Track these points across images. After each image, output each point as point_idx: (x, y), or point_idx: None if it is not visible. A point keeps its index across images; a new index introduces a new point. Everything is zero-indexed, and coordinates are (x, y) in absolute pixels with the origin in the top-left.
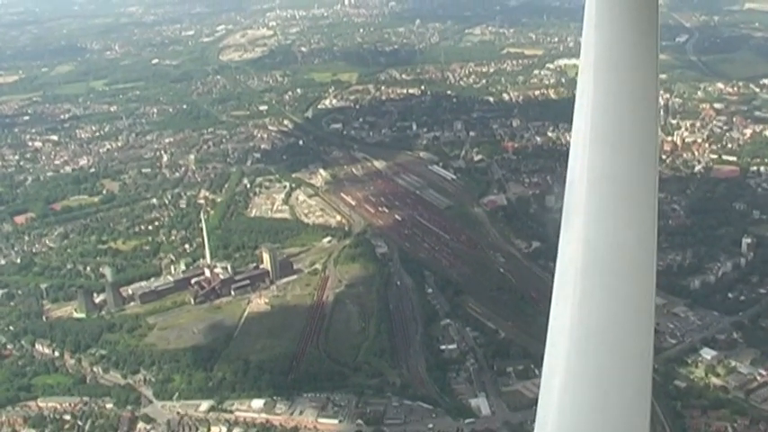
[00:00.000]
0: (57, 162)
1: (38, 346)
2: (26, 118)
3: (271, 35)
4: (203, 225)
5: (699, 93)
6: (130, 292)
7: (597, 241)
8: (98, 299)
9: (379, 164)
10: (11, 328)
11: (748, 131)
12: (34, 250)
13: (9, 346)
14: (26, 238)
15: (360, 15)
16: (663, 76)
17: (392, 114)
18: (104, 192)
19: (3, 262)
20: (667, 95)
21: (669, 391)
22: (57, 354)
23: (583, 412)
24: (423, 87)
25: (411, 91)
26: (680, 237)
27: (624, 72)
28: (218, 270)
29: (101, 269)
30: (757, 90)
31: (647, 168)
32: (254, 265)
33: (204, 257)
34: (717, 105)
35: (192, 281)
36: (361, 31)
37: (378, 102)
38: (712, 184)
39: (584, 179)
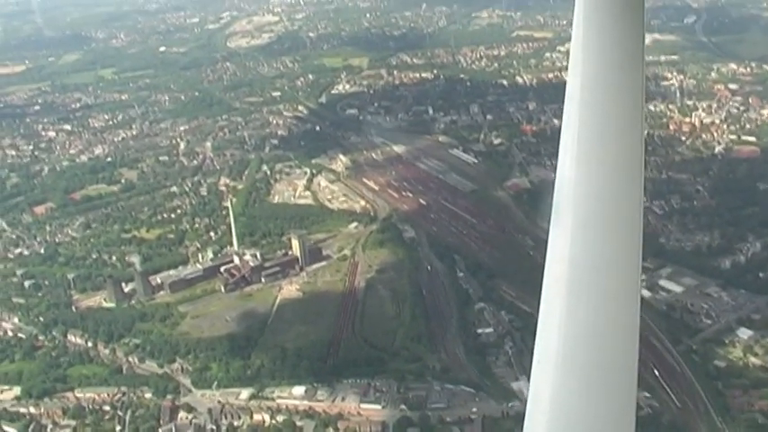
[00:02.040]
0: (72, 151)
1: (70, 337)
2: (36, 108)
3: (277, 21)
4: (230, 212)
5: (712, 74)
6: (159, 280)
7: (585, 241)
8: (127, 288)
9: (398, 148)
10: (41, 319)
11: (765, 112)
12: (57, 240)
13: (41, 338)
14: (47, 228)
15: (364, 0)
16: (674, 57)
17: (407, 99)
18: (123, 181)
19: (26, 253)
20: (681, 77)
21: (709, 371)
22: (90, 344)
23: (571, 408)
24: (435, 71)
25: (424, 75)
26: (706, 217)
27: (611, 76)
28: (247, 257)
29: (127, 258)
30: None
31: (633, 169)
32: (283, 251)
33: (231, 245)
34: (731, 86)
35: (222, 269)
36: (368, 15)
37: (391, 86)
38: (734, 165)
39: (573, 181)
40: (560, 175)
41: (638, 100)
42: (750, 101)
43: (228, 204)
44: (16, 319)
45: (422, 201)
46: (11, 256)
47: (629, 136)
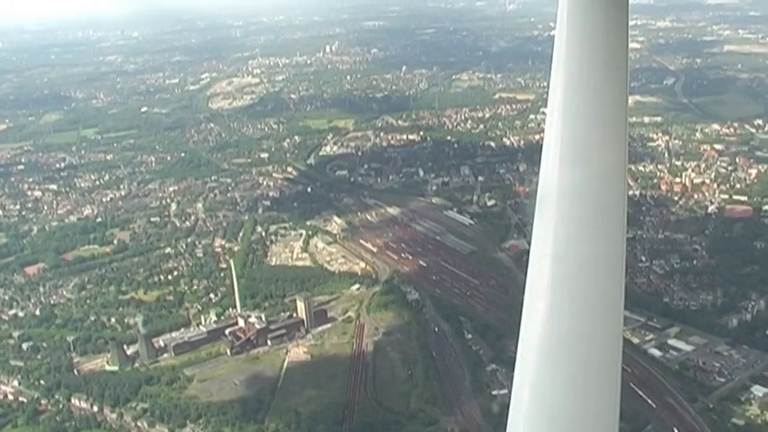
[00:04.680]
0: (60, 211)
1: (74, 401)
2: (20, 167)
3: (257, 83)
4: (233, 274)
5: (697, 134)
6: (162, 343)
7: (568, 239)
8: (129, 351)
9: (393, 210)
10: (42, 382)
11: (753, 171)
12: (52, 302)
13: (43, 401)
14: (41, 289)
15: (343, 62)
16: (658, 119)
17: (396, 161)
18: (115, 241)
19: (22, 314)
20: (666, 138)
21: (728, 429)
22: (96, 408)
23: (555, 407)
24: (422, 133)
25: (411, 137)
26: (707, 277)
27: (594, 73)
28: (252, 319)
29: (127, 320)
30: (753, 130)
31: (617, 168)
32: (288, 313)
33: (234, 307)
34: (717, 146)
35: (227, 331)
36: (349, 77)
37: (379, 148)
38: (729, 224)
39: (556, 179)
40: (544, 173)
41: (622, 97)
42: (737, 160)
43: (229, 266)
44: (16, 383)
45: (422, 262)
46: (5, 317)
47: (612, 134)
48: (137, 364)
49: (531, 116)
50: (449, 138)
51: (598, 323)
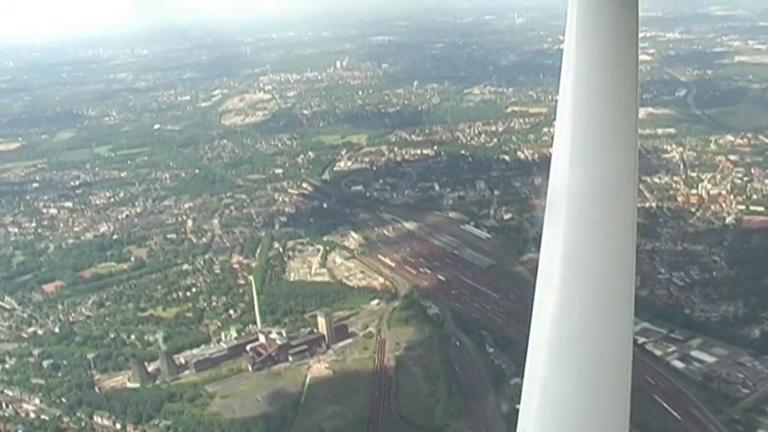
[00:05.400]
0: (76, 229)
1: (96, 418)
2: (35, 185)
3: (269, 99)
4: (253, 290)
5: (711, 145)
6: (183, 360)
7: (579, 238)
8: (150, 368)
9: (409, 225)
10: (63, 399)
11: None
12: (71, 319)
13: (65, 419)
14: (59, 306)
15: (354, 78)
16: (671, 130)
17: (411, 175)
18: (133, 258)
19: (41, 332)
20: (680, 149)
21: None
22: (118, 425)
23: (565, 406)
24: (436, 148)
25: (425, 151)
26: (728, 288)
27: (604, 81)
28: (273, 335)
29: (145, 337)
30: (767, 141)
31: (628, 167)
32: (308, 329)
33: (255, 323)
34: (732, 157)
35: (248, 347)
36: (360, 93)
37: (394, 163)
38: (747, 235)
39: (566, 178)
40: (554, 172)
41: (632, 97)
42: (753, 171)
43: (248, 282)
44: (37, 401)
45: (441, 277)
46: (24, 335)
47: (623, 133)
48: (158, 381)
49: (545, 129)
50: (463, 152)
51: (609, 322)
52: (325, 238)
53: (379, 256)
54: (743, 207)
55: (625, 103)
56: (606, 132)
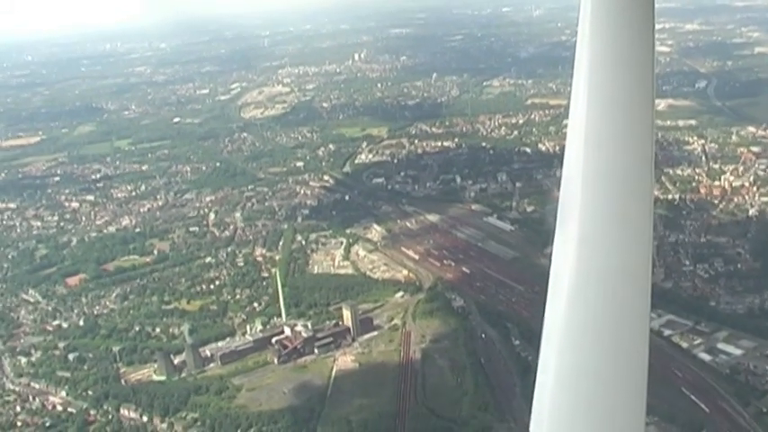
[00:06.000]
0: (98, 222)
1: (123, 411)
2: (56, 179)
3: (288, 92)
4: (277, 282)
5: (733, 137)
6: (208, 353)
7: (593, 240)
8: (176, 360)
9: (432, 217)
10: (89, 392)
11: None
12: (96, 312)
13: (92, 412)
14: (83, 299)
15: (373, 70)
16: (692, 122)
17: (432, 168)
18: (155, 252)
19: (65, 325)
20: (702, 141)
21: None
22: (145, 418)
23: (578, 410)
24: (457, 140)
25: (446, 144)
26: (753, 280)
27: (619, 69)
28: (298, 328)
29: (170, 330)
30: None
31: (644, 166)
32: (333, 322)
33: (280, 316)
34: (754, 149)
35: (273, 340)
36: (379, 85)
37: (415, 155)
38: None
39: (580, 178)
40: (566, 175)
41: (648, 98)
42: None
43: (272, 275)
44: (64, 393)
45: (465, 269)
46: (49, 328)
47: (638, 135)
48: (184, 374)
49: (565, 122)
50: (484, 144)
51: (624, 316)
52: (347, 231)
53: (403, 249)
54: (766, 199)
55: (641, 97)
56: (621, 127)
